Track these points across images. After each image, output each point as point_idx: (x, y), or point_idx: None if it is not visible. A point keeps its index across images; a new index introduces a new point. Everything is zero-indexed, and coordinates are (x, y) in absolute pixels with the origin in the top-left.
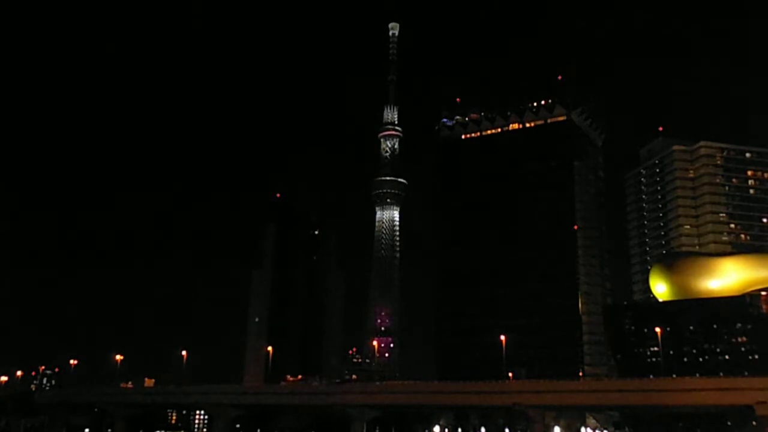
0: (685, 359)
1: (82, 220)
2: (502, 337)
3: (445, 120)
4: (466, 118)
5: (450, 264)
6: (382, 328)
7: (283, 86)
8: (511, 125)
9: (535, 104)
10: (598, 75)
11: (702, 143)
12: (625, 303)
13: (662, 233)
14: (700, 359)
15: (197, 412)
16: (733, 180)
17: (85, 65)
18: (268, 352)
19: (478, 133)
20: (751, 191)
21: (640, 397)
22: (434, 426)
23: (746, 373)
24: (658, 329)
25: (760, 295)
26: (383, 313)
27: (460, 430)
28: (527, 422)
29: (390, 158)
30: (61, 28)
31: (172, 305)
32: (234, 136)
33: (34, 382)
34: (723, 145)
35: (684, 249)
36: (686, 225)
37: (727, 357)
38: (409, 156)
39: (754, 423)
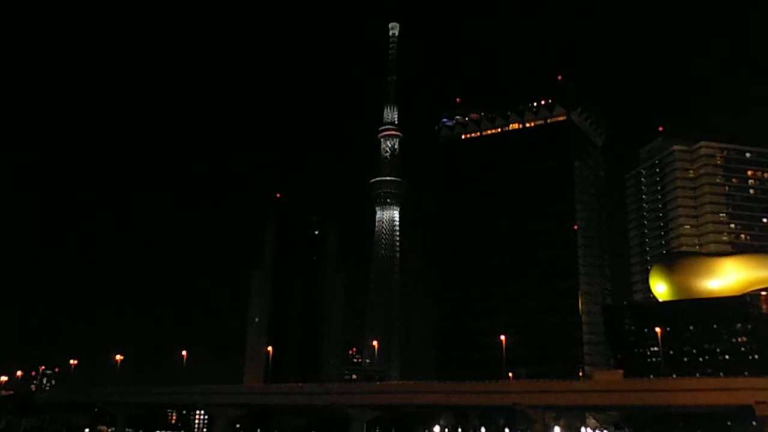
0: (685, 359)
1: (81, 220)
2: (502, 337)
3: (445, 120)
4: (466, 118)
5: (450, 264)
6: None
7: (282, 86)
8: (511, 125)
9: (535, 104)
10: (598, 75)
11: (702, 143)
12: (625, 303)
13: (662, 233)
14: (700, 359)
15: (197, 412)
16: (733, 180)
17: (85, 65)
18: (268, 352)
19: (478, 133)
20: (751, 191)
21: (640, 397)
22: (434, 426)
23: (746, 373)
24: (658, 329)
25: (760, 295)
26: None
27: (460, 430)
28: (527, 422)
29: (390, 158)
30: (60, 27)
31: (173, 305)
32: (234, 136)
33: (34, 382)
34: (723, 145)
35: (684, 249)
36: (686, 225)
37: (727, 357)
38: (409, 156)
39: (754, 423)
